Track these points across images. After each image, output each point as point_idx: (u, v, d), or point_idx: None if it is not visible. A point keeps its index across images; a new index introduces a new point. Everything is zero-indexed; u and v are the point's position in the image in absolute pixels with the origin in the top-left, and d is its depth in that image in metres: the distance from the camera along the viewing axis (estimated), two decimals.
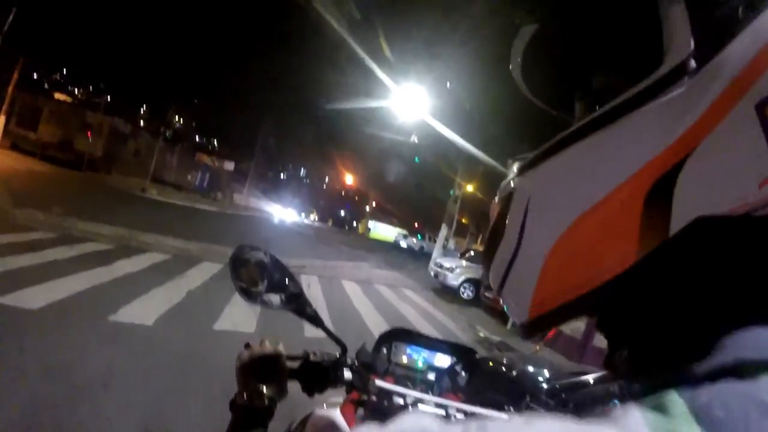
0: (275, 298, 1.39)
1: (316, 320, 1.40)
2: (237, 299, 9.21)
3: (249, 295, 1.38)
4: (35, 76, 65.81)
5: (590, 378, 1.64)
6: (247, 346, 1.27)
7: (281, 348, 1.28)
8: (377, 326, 9.54)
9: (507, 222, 0.64)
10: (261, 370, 1.18)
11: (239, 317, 8.10)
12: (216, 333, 7.19)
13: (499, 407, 1.41)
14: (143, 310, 7.30)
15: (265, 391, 1.12)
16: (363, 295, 13.08)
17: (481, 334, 11.58)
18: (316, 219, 60.70)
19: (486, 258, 0.71)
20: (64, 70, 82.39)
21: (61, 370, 4.83)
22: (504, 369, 1.73)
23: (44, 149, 34.83)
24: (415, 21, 19.67)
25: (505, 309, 0.67)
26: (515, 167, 0.69)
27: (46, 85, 73.22)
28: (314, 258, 18.59)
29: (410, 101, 22.14)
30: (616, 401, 1.41)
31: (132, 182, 34.86)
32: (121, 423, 4.17)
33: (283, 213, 46.59)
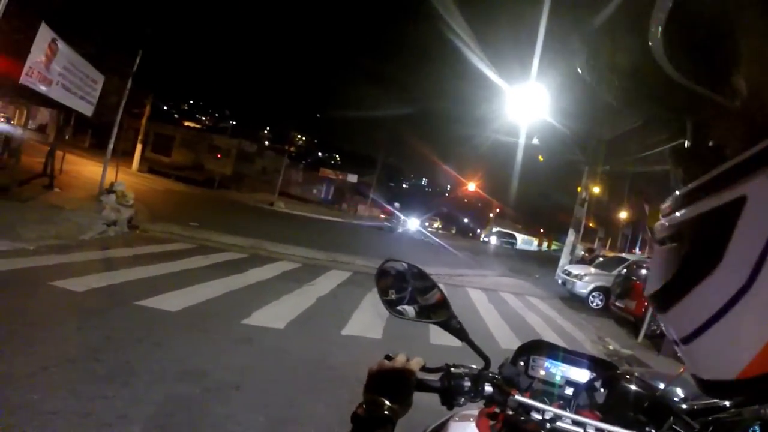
0: (420, 311, 1.49)
1: (461, 333, 1.44)
2: (364, 305, 9.46)
3: (394, 307, 1.50)
4: (165, 108, 72.95)
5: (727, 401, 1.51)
6: (388, 358, 1.29)
7: (415, 362, 1.28)
8: (503, 336, 9.25)
9: (723, 250, 0.50)
10: (386, 384, 1.21)
11: (366, 323, 8.27)
12: (344, 338, 7.36)
13: (640, 428, 1.43)
14: (275, 315, 7.71)
15: (386, 403, 1.15)
16: (488, 303, 12.75)
17: (611, 347, 10.66)
18: (440, 227, 60.59)
19: (666, 294, 0.58)
20: (191, 100, 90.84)
21: (196, 370, 5.16)
22: (645, 387, 1.62)
23: (178, 171, 38.42)
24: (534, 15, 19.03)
25: (686, 360, 0.58)
26: (672, 157, 0.63)
27: (176, 115, 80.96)
28: (439, 266, 18.46)
29: (530, 101, 21.56)
30: (756, 428, 1.35)
31: (260, 197, 37.45)
32: (250, 425, 4.31)
33: (406, 222, 47.08)
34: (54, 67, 12.28)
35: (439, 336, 7.18)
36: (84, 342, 5.28)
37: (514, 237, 60.24)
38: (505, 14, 20.50)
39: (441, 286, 1.50)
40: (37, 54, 11.23)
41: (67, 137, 22.14)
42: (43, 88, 12.08)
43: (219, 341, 6.12)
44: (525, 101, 21.79)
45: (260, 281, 10.04)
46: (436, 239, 40.38)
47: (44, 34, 11.30)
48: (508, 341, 8.72)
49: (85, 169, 22.51)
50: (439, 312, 1.45)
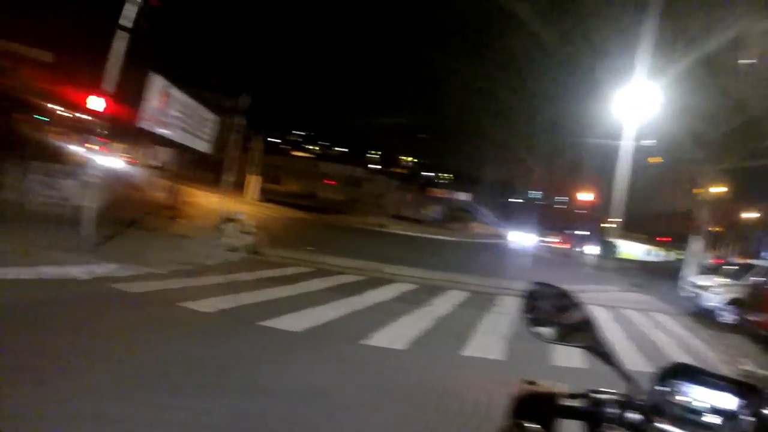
0: (563, 333, 1.48)
1: (608, 358, 1.39)
2: (484, 326, 9.10)
3: (538, 330, 1.51)
4: (276, 140, 76.95)
5: None
6: (529, 383, 1.27)
7: (560, 387, 1.27)
8: (629, 357, 8.34)
9: None
10: (531, 409, 1.21)
11: (487, 344, 7.90)
12: (464, 359, 7.08)
13: None
14: (394, 336, 7.60)
15: (532, 429, 1.15)
16: (611, 321, 11.78)
17: (746, 367, 9.29)
18: (555, 240, 58.26)
19: None
20: (301, 131, 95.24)
21: (319, 388, 5.15)
22: None
23: (293, 198, 40.09)
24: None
25: None
26: None
27: (286, 146, 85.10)
28: (557, 282, 17.46)
29: (640, 101, 20.34)
30: None
31: (372, 220, 38.05)
32: None
33: (520, 237, 45.79)
34: (169, 111, 13.31)
35: (562, 357, 6.81)
36: (213, 358, 5.48)
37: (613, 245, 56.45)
38: (610, 15, 19.55)
39: (588, 307, 1.47)
40: (153, 100, 12.18)
41: (187, 173, 23.72)
42: (161, 131, 13.07)
43: (340, 361, 6.10)
44: (633, 101, 20.68)
45: (379, 303, 10.03)
46: (551, 254, 38.93)
47: (157, 82, 12.24)
48: (635, 363, 7.94)
49: (206, 201, 23.99)
50: (585, 335, 1.44)
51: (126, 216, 14.45)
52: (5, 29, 15.66)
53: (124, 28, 10.00)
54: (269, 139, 66.12)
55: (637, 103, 20.86)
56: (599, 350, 1.41)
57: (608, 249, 50.82)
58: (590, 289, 17.55)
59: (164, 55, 15.73)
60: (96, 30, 12.92)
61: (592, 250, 52.62)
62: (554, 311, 1.52)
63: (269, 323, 7.12)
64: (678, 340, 11.02)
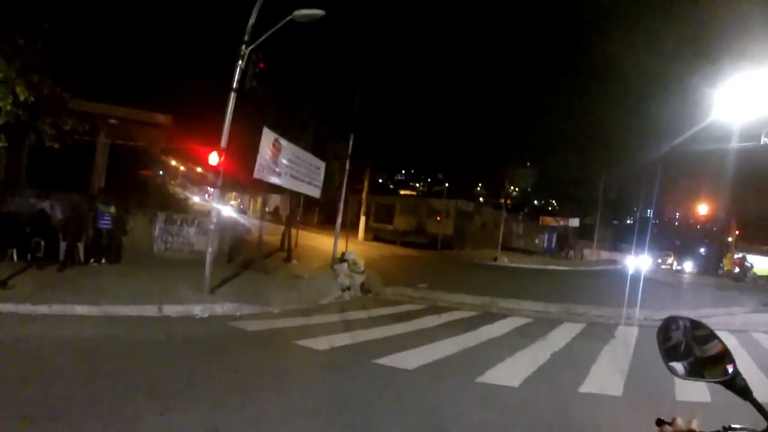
0: (696, 367, 1.45)
1: (745, 392, 1.35)
2: (602, 360, 8.52)
3: (673, 366, 1.47)
4: (382, 180, 78.55)
5: None
6: (659, 423, 1.22)
7: (695, 426, 1.21)
8: (759, 385, 7.35)
9: None
10: None
11: (605, 378, 7.34)
12: (582, 396, 6.60)
13: None
14: (509, 372, 7.32)
15: None
16: (739, 347, 10.48)
17: None
18: (674, 262, 54.14)
19: None
20: (405, 170, 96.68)
21: (435, 427, 5.07)
22: None
23: (402, 236, 40.44)
24: None
25: None
26: None
27: (392, 185, 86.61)
28: (680, 308, 16.10)
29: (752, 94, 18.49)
30: None
31: (483, 253, 37.45)
32: None
33: (636, 261, 43.14)
34: (281, 160, 14.09)
35: (685, 391, 6.13)
36: (328, 395, 5.60)
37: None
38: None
39: (724, 340, 1.43)
40: (265, 152, 13.00)
41: (298, 217, 24.68)
42: (273, 180, 13.85)
43: (455, 398, 5.97)
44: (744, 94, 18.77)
45: (493, 338, 9.76)
46: (670, 277, 36.27)
47: (268, 135, 13.05)
48: (766, 391, 7.04)
49: (317, 243, 24.79)
50: (721, 368, 1.40)
51: (243, 260, 15.26)
52: (126, 95, 17.52)
53: (233, 90, 10.78)
54: (377, 179, 67.90)
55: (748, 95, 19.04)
56: (738, 385, 1.35)
57: (742, 269, 46.54)
58: (716, 312, 16.06)
59: (275, 108, 16.77)
60: (211, 93, 14.07)
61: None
62: (690, 344, 1.48)
63: (385, 360, 7.13)
64: None
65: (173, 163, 32.36)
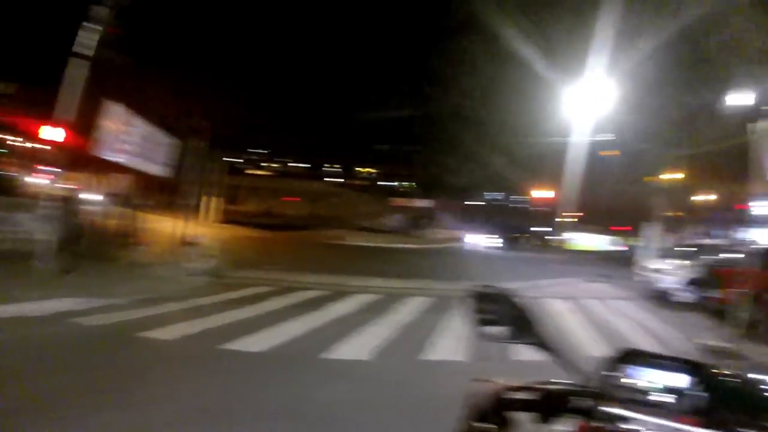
0: (511, 332, 1.50)
1: (554, 351, 1.44)
2: (446, 330, 9.26)
3: (486, 329, 1.52)
4: (236, 160, 76.27)
5: None
6: (482, 381, 1.30)
7: (505, 381, 1.30)
8: (591, 344, 8.74)
9: None
10: (487, 409, 1.22)
11: (449, 347, 8.08)
12: (428, 363, 7.27)
13: (747, 429, 1.34)
14: (357, 347, 7.74)
15: (484, 427, 1.17)
16: (572, 312, 12.20)
17: (707, 342, 9.80)
18: (514, 239, 59.31)
19: None
20: (259, 149, 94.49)
21: (290, 407, 5.21)
22: (749, 384, 1.52)
23: (255, 218, 39.92)
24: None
25: None
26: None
27: (246, 166, 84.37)
28: (518, 280, 17.95)
29: (595, 95, 21.06)
30: None
31: (334, 234, 38.17)
32: None
33: (478, 238, 46.51)
34: (128, 137, 13.13)
35: (521, 352, 6.75)
36: (177, 385, 5.50)
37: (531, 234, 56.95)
38: (562, 10, 20.19)
39: (531, 305, 1.51)
40: (111, 128, 12.08)
41: (146, 198, 23.41)
42: (118, 158, 12.92)
43: (306, 377, 6.17)
44: (588, 96, 21.34)
45: (341, 316, 10.13)
46: (509, 252, 39.65)
47: (115, 110, 12.15)
48: (598, 350, 8.31)
49: (166, 226, 23.59)
50: (530, 332, 1.46)
51: (84, 247, 14.26)
52: None
53: (76, 55, 9.90)
54: (228, 159, 65.69)
55: (591, 98, 21.49)
56: (545, 345, 1.43)
57: (567, 242, 51.60)
58: (549, 283, 18.03)
59: (123, 83, 15.60)
60: (58, 60, 12.80)
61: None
62: (499, 311, 1.53)
63: (232, 345, 7.14)
64: (638, 323, 11.45)
65: (11, 139, 28.82)
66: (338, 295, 12.52)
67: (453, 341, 8.37)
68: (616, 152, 29.39)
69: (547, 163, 41.17)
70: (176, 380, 5.71)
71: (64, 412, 4.57)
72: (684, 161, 24.55)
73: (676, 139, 20.57)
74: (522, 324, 1.48)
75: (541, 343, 1.44)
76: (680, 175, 25.89)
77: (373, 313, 10.52)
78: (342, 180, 67.51)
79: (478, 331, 1.52)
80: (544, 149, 35.21)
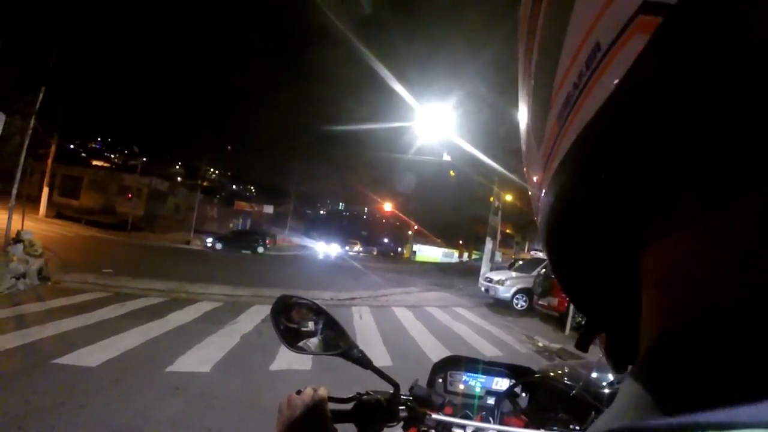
0: (318, 344, 1.43)
1: (363, 361, 1.38)
2: None
3: (291, 343, 1.43)
4: (72, 146, 69.50)
5: None
6: (298, 392, 1.26)
7: (324, 392, 1.25)
8: (433, 350, 9.46)
9: None
10: (301, 420, 1.17)
11: (293, 356, 8.07)
12: (272, 373, 7.29)
13: (564, 427, 1.42)
14: (199, 359, 7.51)
15: None
16: (416, 320, 13.03)
17: (540, 344, 11.40)
18: (361, 250, 60.99)
19: None
20: (98, 138, 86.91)
21: (126, 428, 4.95)
22: (565, 385, 1.61)
23: (89, 215, 36.65)
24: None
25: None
26: None
27: (83, 155, 77.16)
28: (363, 289, 18.65)
29: (436, 120, 22.54)
30: None
31: (176, 237, 36.26)
32: None
33: (326, 248, 47.09)
34: None
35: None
36: (2, 409, 4.96)
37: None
38: (418, 38, 21.30)
39: (334, 316, 1.45)
40: None
41: None
42: None
43: (145, 393, 5.86)
44: (434, 120, 22.72)
45: (181, 325, 9.71)
46: (357, 262, 40.53)
47: None
48: (439, 355, 8.82)
49: None
50: (339, 343, 1.39)
51: None
52: None
53: None
54: (70, 146, 59.41)
55: (434, 122, 22.80)
56: (353, 356, 1.37)
57: (413, 253, 53.86)
58: (394, 291, 18.84)
59: None
60: None
61: (397, 256, 55.32)
62: (303, 323, 1.46)
63: (65, 360, 6.58)
64: (478, 329, 12.42)
65: None
66: (177, 302, 11.98)
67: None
68: (452, 172, 31.35)
69: (392, 180, 43.02)
70: (1, 402, 5.10)
71: None
72: (514, 185, 26.77)
73: (507, 160, 22.29)
74: (328, 335, 1.42)
75: (349, 354, 1.37)
76: (509, 197, 28.16)
77: (214, 322, 10.23)
78: (187, 179, 64.20)
79: (285, 345, 1.42)
80: (389, 165, 36.78)
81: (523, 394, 1.65)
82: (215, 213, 55.10)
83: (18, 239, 15.19)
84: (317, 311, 1.45)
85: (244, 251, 34.62)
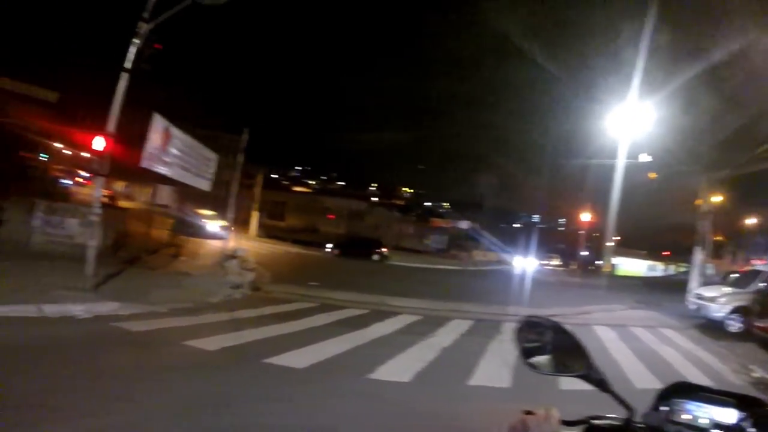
0: (557, 363, 1.52)
1: (602, 384, 1.41)
2: (489, 355, 8.95)
3: (532, 361, 1.55)
4: (276, 176, 77.64)
5: None
6: (528, 413, 1.23)
7: (557, 414, 1.23)
8: (638, 375, 8.23)
9: None
10: None
11: (493, 372, 7.75)
12: (470, 388, 6.95)
13: None
14: (399, 369, 7.50)
15: None
16: (619, 340, 11.65)
17: (756, 374, 9.24)
18: (559, 263, 58.19)
19: None
20: (300, 166, 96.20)
21: (324, 427, 5.07)
22: None
23: (294, 234, 40.15)
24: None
25: None
26: None
27: (286, 182, 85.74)
28: (561, 306, 17.39)
29: (634, 117, 20.58)
30: None
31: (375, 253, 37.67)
32: None
33: (523, 262, 45.71)
34: (171, 150, 13.39)
35: (569, 382, 6.40)
36: (216, 396, 5.41)
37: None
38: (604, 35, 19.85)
39: (578, 337, 1.49)
40: (154, 140, 12.37)
41: (188, 210, 23.83)
42: (162, 170, 13.16)
43: (345, 397, 6.00)
44: (626, 119, 20.92)
45: (383, 336, 9.94)
46: (554, 277, 38.77)
47: (158, 122, 12.43)
48: (645, 381, 7.81)
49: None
50: (577, 363, 1.46)
51: (128, 254, 14.47)
52: (10, 68, 15.80)
53: (126, 70, 10.16)
54: (270, 175, 66.80)
55: (631, 120, 21.09)
56: (593, 378, 1.42)
57: (612, 267, 50.37)
58: (595, 309, 17.40)
59: (166, 96, 16.14)
60: (101, 72, 13.14)
61: (598, 269, 52.04)
62: (547, 342, 1.54)
63: (274, 360, 7.04)
64: (687, 354, 10.89)
65: (59, 146, 29.67)
66: (380, 314, 12.35)
67: (496, 366, 8.06)
68: (653, 174, 28.52)
69: (586, 186, 40.43)
70: (215, 392, 5.60)
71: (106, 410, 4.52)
72: (725, 184, 23.79)
73: (717, 161, 19.74)
74: (569, 355, 1.49)
75: (589, 376, 1.42)
76: (720, 198, 25.03)
77: (414, 334, 10.29)
78: (382, 199, 67.73)
79: (524, 361, 1.56)
80: (584, 172, 34.58)
81: (752, 430, 1.49)
82: (411, 230, 56.90)
83: (233, 256, 16.92)
84: (559, 331, 1.53)
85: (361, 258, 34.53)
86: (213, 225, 23.82)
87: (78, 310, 8.56)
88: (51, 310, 8.26)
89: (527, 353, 1.58)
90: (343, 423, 5.16)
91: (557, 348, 1.52)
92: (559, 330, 1.54)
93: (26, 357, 6.01)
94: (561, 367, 1.51)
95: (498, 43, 24.93)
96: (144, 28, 10.18)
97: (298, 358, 7.29)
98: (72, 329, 7.81)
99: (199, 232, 22.16)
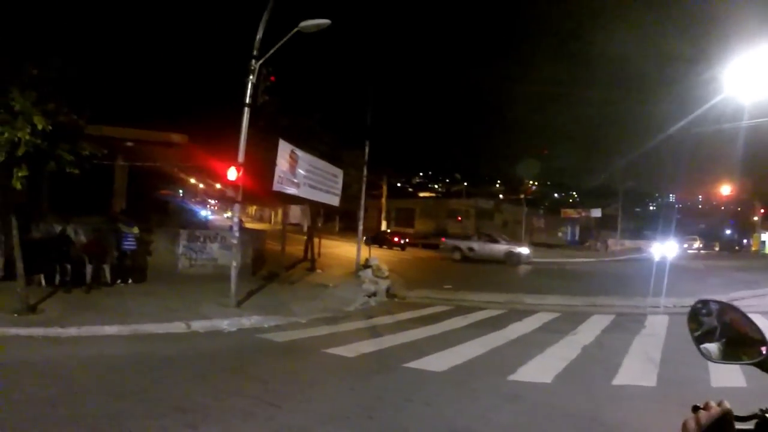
0: (730, 350, 1.42)
1: None
2: (633, 351, 8.32)
3: (708, 347, 1.44)
4: (400, 184, 78.77)
5: None
6: (695, 409, 1.14)
7: (728, 407, 1.13)
8: None
9: None
10: None
11: (638, 370, 7.20)
12: (615, 388, 6.47)
13: None
14: (540, 369, 7.22)
15: None
16: None
17: None
18: (700, 246, 52.96)
19: None
20: (422, 172, 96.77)
21: (467, 429, 5.03)
22: None
23: (423, 239, 40.36)
24: None
25: None
26: None
27: (411, 189, 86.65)
28: (706, 293, 15.68)
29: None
30: None
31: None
32: None
33: (662, 248, 42.23)
34: (298, 171, 14.16)
35: (721, 377, 5.89)
36: (357, 402, 5.57)
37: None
38: None
39: (759, 323, 1.37)
40: (282, 164, 13.11)
41: (319, 226, 24.82)
42: (292, 190, 13.90)
43: (487, 399, 5.89)
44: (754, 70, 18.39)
45: (522, 335, 9.68)
46: (697, 261, 35.49)
47: (284, 147, 13.19)
48: None
49: (339, 251, 24.93)
50: (752, 350, 1.35)
51: (267, 272, 15.39)
52: (144, 119, 17.80)
53: (246, 105, 11.02)
54: (396, 183, 67.97)
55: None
56: None
57: (761, 245, 44.77)
58: (746, 294, 15.69)
59: (289, 122, 17.14)
60: (223, 109, 14.37)
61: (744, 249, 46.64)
62: (721, 327, 1.46)
63: (413, 364, 7.10)
64: None
65: (192, 181, 32.69)
66: (516, 313, 12.06)
67: (641, 364, 7.57)
68: None
69: (722, 156, 36.30)
70: (357, 397, 5.77)
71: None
72: None
73: None
74: (746, 341, 1.38)
75: (766, 363, 1.31)
76: None
77: (554, 332, 9.91)
78: (509, 194, 66.28)
79: (698, 347, 1.47)
80: (714, 141, 30.89)
81: None
82: (542, 223, 55.04)
83: (367, 265, 17.37)
84: (740, 316, 1.44)
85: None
86: None
87: (224, 324, 9.33)
88: (198, 325, 9.06)
89: (699, 340, 1.49)
90: (485, 425, 5.08)
91: (729, 333, 1.44)
92: (733, 314, 1.45)
93: (176, 369, 6.60)
94: (736, 353, 1.41)
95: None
96: (255, 65, 10.94)
97: (437, 362, 7.30)
98: (220, 342, 8.50)
99: None
